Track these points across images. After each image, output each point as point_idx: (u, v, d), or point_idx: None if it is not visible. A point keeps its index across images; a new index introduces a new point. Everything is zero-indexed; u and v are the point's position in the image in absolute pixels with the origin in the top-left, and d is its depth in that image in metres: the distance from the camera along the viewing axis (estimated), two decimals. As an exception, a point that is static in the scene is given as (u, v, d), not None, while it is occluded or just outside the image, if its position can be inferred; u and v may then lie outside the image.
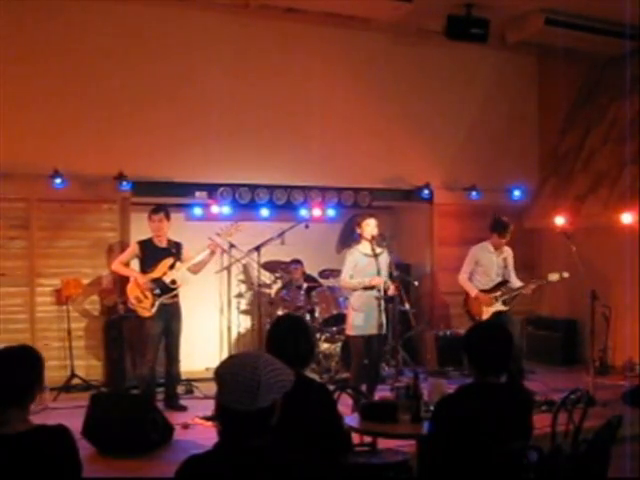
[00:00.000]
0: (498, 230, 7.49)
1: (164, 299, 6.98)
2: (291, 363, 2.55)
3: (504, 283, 7.51)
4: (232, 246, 8.09)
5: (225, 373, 2.27)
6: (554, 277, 7.34)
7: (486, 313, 7.42)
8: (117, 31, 8.12)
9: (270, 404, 2.24)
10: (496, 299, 7.45)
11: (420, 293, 9.56)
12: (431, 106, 9.55)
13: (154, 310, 6.94)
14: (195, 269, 7.19)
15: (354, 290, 6.67)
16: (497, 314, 7.41)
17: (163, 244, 7.15)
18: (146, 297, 6.97)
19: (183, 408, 7.01)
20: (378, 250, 6.66)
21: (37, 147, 7.76)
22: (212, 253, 7.14)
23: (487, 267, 7.55)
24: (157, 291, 6.95)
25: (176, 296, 7.11)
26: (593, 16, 8.61)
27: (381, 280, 6.56)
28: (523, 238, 7.93)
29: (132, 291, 7.04)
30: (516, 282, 7.57)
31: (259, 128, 8.68)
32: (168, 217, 7.17)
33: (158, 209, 7.18)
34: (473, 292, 7.51)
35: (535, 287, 7.58)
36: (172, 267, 7.04)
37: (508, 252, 7.62)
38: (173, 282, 7.03)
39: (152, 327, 6.98)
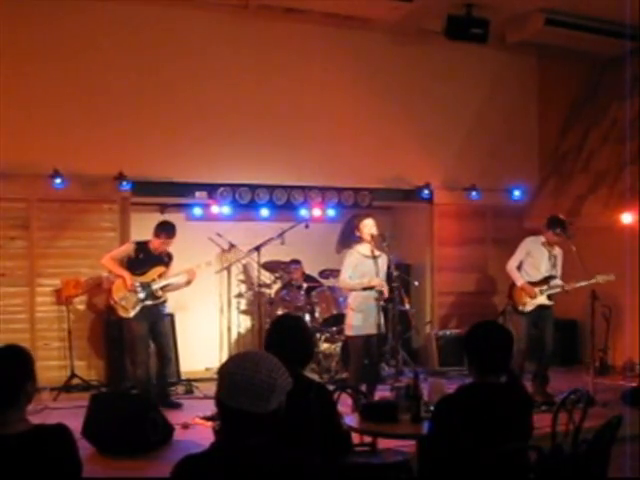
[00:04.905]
0: (553, 228, 7.25)
1: (146, 303, 7.01)
2: (290, 363, 2.55)
3: (552, 278, 7.32)
4: (232, 246, 8.09)
5: (236, 373, 2.21)
6: (601, 279, 7.13)
7: (530, 305, 7.28)
8: (117, 32, 8.13)
9: (277, 406, 2.23)
10: (541, 292, 7.30)
11: (420, 293, 9.56)
12: (431, 106, 9.54)
13: (133, 313, 6.97)
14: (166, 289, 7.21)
15: (353, 290, 6.67)
16: (540, 308, 7.29)
17: (158, 251, 7.14)
18: (129, 298, 6.99)
19: (177, 405, 7.05)
20: (377, 253, 6.64)
21: (37, 147, 7.76)
22: (188, 282, 7.17)
23: (538, 260, 7.34)
24: (142, 295, 6.97)
25: (162, 302, 7.15)
26: (593, 16, 8.61)
27: (380, 281, 6.55)
28: (523, 238, 7.91)
29: (118, 290, 7.05)
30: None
31: (259, 128, 8.67)
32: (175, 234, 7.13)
33: (172, 231, 7.04)
34: (519, 281, 7.31)
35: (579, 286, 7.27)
36: (160, 276, 7.07)
37: (559, 252, 7.40)
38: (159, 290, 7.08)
39: (137, 328, 7.01)
